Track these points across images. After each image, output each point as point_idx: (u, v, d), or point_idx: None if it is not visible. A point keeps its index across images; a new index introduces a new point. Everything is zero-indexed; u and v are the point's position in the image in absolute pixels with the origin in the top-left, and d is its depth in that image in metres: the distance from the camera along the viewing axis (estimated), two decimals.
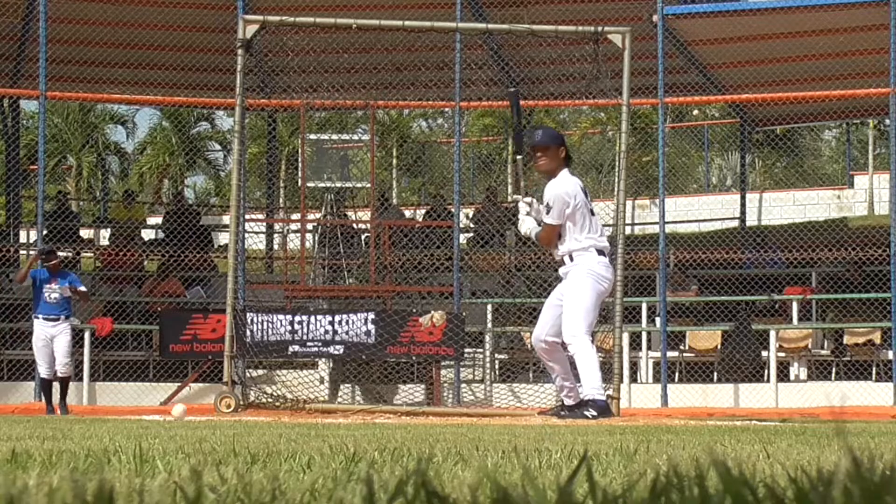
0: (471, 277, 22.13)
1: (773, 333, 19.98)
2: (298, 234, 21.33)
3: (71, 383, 20.75)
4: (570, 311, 11.96)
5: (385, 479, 2.59)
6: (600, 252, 12.09)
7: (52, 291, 17.95)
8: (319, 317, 16.46)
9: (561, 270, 12.21)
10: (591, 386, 11.96)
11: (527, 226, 12.27)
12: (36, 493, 2.11)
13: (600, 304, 12.34)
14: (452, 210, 21.94)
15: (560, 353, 12.13)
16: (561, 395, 12.45)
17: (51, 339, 17.91)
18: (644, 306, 20.82)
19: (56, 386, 18.00)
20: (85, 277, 24.19)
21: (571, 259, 12.05)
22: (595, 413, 11.91)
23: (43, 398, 18.46)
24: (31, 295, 18.74)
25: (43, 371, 18.10)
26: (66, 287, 17.97)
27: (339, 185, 21.58)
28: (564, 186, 12.03)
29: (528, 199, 12.35)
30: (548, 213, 12.02)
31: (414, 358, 17.77)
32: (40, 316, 17.94)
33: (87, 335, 20.48)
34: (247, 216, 20.45)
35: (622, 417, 12.92)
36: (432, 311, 16.13)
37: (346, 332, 16.40)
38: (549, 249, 12.37)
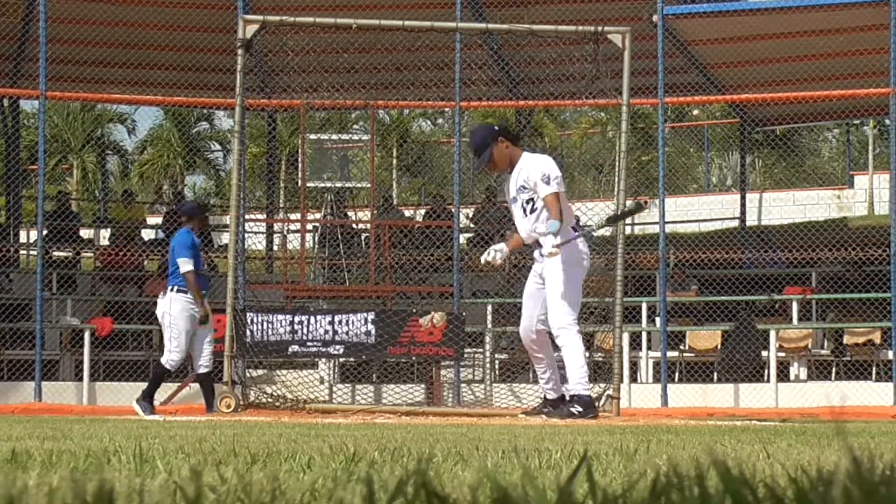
0: (471, 277, 22.12)
1: (773, 333, 19.97)
2: (298, 234, 21.31)
3: (71, 383, 20.77)
4: (554, 299, 11.70)
5: (385, 479, 2.59)
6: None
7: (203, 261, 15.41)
8: (319, 317, 16.45)
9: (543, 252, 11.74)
10: (577, 381, 11.80)
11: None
12: (36, 493, 2.11)
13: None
14: (452, 210, 21.93)
15: (548, 344, 11.97)
16: (546, 388, 12.20)
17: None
18: (644, 306, 20.81)
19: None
20: (85, 277, 24.16)
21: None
22: (581, 409, 11.74)
23: (202, 394, 15.38)
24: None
25: (176, 359, 14.91)
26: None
27: (339, 185, 21.57)
28: (545, 159, 11.85)
29: (500, 247, 11.90)
30: (548, 183, 11.48)
31: (414, 358, 17.75)
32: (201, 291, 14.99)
33: (87, 335, 20.46)
34: (247, 216, 20.43)
35: (622, 417, 12.90)
36: (432, 312, 16.09)
37: (346, 332, 16.38)
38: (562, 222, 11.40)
